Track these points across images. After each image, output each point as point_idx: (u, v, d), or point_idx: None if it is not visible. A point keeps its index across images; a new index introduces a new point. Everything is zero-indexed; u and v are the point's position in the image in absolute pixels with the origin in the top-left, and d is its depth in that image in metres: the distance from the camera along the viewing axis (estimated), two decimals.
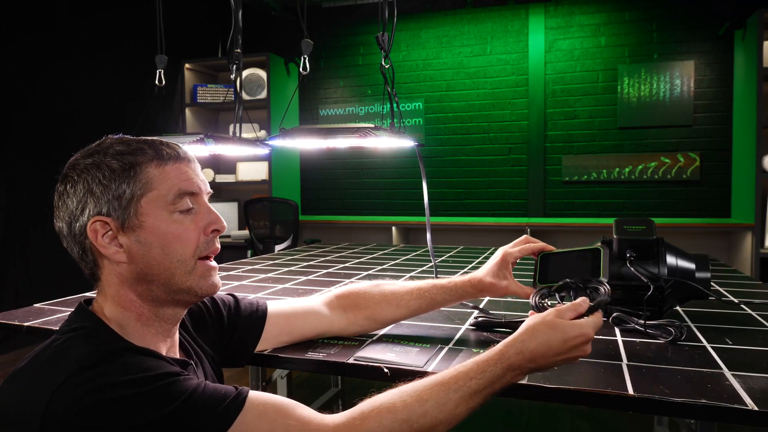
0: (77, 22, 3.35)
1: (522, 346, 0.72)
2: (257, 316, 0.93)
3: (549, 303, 0.89)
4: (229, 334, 0.90)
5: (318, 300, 1.02)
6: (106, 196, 0.69)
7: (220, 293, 0.94)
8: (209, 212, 0.75)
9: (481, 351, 0.74)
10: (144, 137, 0.76)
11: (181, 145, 0.77)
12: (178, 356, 0.78)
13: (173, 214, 0.72)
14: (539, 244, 1.05)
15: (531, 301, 0.92)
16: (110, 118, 3.46)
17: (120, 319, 0.71)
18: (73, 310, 0.73)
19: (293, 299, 1.02)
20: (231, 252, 4.55)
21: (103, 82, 3.49)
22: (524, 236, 1.09)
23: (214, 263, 0.76)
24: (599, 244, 1.02)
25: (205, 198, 0.77)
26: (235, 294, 0.96)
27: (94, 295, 0.75)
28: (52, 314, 1.21)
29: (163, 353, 0.73)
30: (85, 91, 3.38)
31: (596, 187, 3.98)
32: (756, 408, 0.69)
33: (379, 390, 0.70)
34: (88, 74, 3.39)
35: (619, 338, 1.01)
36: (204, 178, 0.78)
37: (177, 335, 0.79)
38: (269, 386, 1.89)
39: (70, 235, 0.72)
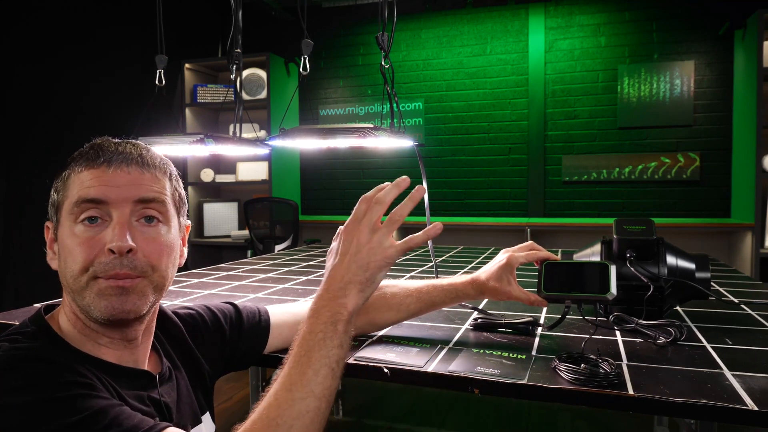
0: (77, 20, 3.35)
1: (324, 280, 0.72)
2: (261, 329, 0.92)
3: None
4: (231, 348, 0.88)
5: None
6: (49, 202, 0.71)
7: (219, 303, 0.93)
8: (114, 227, 0.66)
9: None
10: (100, 141, 0.71)
11: (132, 148, 0.70)
12: (144, 367, 0.73)
13: (76, 225, 0.67)
14: (544, 253, 1.03)
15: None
16: (110, 118, 3.46)
17: (67, 328, 0.69)
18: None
19: (293, 304, 1.01)
20: (231, 252, 4.56)
21: (103, 82, 3.49)
22: (530, 242, 1.06)
23: (117, 282, 0.66)
24: (601, 245, 1.02)
25: (128, 209, 0.68)
26: (235, 303, 0.94)
27: None
28: None
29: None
30: (85, 91, 3.38)
31: (596, 187, 3.98)
32: (756, 408, 0.69)
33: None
34: (87, 75, 3.39)
35: (619, 338, 1.01)
36: (156, 188, 0.70)
37: (145, 347, 0.74)
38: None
39: None
